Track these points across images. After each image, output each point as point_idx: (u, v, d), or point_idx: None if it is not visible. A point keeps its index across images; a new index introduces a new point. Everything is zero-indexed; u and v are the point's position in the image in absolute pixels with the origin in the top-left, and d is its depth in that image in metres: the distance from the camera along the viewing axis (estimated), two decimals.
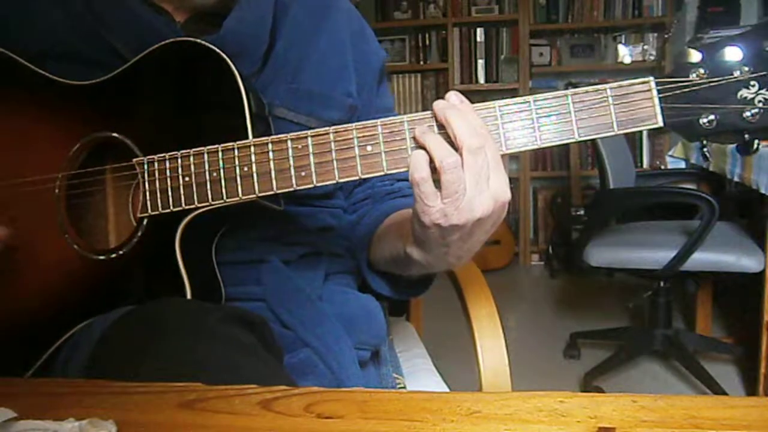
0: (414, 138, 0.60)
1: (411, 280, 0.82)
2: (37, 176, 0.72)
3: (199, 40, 0.69)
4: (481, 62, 3.83)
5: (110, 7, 0.74)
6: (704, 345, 2.28)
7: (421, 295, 0.88)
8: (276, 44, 0.79)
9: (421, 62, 3.90)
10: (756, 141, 0.59)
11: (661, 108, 0.59)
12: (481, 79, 3.84)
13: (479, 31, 3.82)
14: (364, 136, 0.62)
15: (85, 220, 0.75)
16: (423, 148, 0.59)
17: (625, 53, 3.73)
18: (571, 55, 3.79)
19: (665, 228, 2.13)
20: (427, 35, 3.90)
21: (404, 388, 0.92)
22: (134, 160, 0.69)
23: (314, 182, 0.63)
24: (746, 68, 0.57)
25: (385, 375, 0.88)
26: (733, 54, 0.58)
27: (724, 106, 0.58)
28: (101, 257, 0.70)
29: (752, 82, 0.57)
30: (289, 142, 0.63)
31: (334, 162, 0.62)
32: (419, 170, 0.58)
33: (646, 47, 3.71)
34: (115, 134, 0.70)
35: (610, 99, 0.59)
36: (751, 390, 2.05)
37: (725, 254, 1.91)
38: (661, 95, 0.59)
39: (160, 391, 0.51)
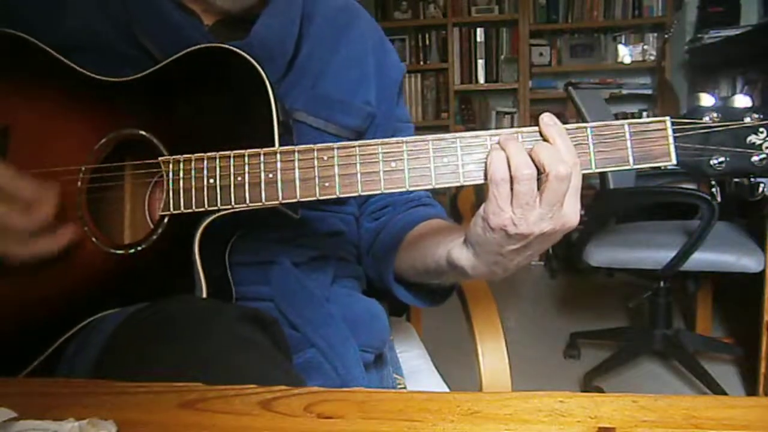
0: (499, 142, 0.61)
1: (435, 289, 0.82)
2: (61, 167, 0.73)
3: (232, 48, 0.70)
4: (481, 62, 3.83)
5: (143, 6, 0.76)
6: (704, 345, 2.28)
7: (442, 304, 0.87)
8: (300, 52, 0.81)
9: (421, 62, 3.90)
10: (761, 185, 0.62)
11: (675, 147, 0.61)
12: (481, 79, 3.84)
13: (479, 31, 3.82)
14: (388, 153, 0.63)
15: (103, 214, 0.75)
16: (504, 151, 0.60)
17: (625, 53, 3.73)
18: (571, 55, 3.79)
19: (665, 228, 2.13)
20: (427, 35, 3.90)
21: (404, 388, 0.92)
22: (160, 158, 0.69)
23: (338, 193, 0.64)
24: (756, 115, 0.60)
25: (386, 376, 0.88)
26: (743, 101, 0.61)
27: (734, 150, 0.61)
28: (119, 252, 0.71)
29: (761, 129, 0.60)
30: (315, 153, 0.65)
31: (359, 175, 0.64)
32: (499, 171, 0.59)
33: (646, 47, 3.71)
34: (142, 132, 0.71)
35: (627, 135, 0.61)
36: (751, 390, 2.05)
37: (725, 254, 1.91)
38: (675, 135, 0.61)
39: (160, 391, 0.51)
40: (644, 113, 3.76)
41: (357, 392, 0.51)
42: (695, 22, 3.26)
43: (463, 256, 0.67)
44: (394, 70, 0.91)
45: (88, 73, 0.74)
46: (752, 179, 0.62)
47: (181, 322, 0.59)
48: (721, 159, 0.61)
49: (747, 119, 0.60)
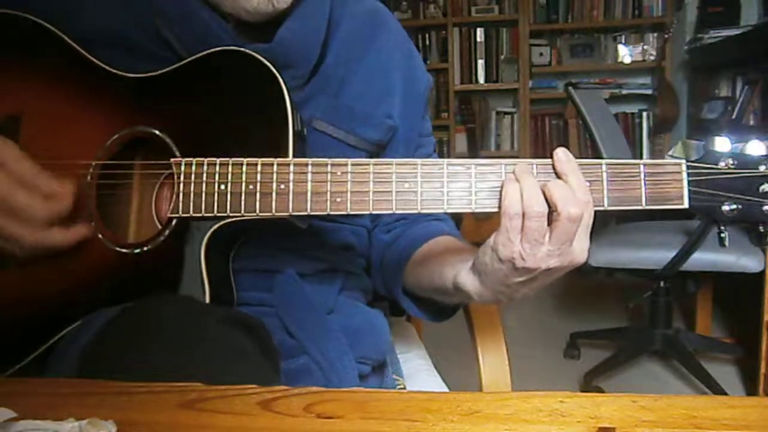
0: (513, 173, 0.61)
1: (442, 306, 0.82)
2: (72, 160, 0.72)
3: (254, 54, 0.69)
4: (481, 62, 3.84)
5: (171, 1, 0.75)
6: (704, 345, 2.28)
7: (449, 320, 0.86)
8: (325, 59, 0.79)
9: None
10: None
11: (689, 191, 0.61)
12: (481, 79, 3.84)
13: (479, 31, 3.82)
14: (402, 173, 0.63)
15: (108, 209, 0.74)
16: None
17: (625, 53, 3.73)
18: (571, 55, 3.79)
19: (665, 228, 2.13)
20: (427, 35, 3.90)
21: (404, 388, 0.92)
22: (172, 160, 0.68)
23: (348, 210, 0.64)
24: None
25: (385, 376, 0.88)
26: (758, 148, 0.62)
27: (747, 198, 0.61)
28: (124, 250, 0.70)
29: None
30: (329, 167, 0.64)
31: (371, 194, 0.63)
32: (514, 205, 0.59)
33: (646, 47, 3.71)
34: (155, 131, 0.70)
35: (642, 174, 0.62)
36: (751, 390, 2.05)
37: (725, 254, 1.91)
38: (690, 178, 0.61)
39: (160, 391, 0.51)
40: (644, 113, 3.76)
41: (357, 392, 0.51)
42: (695, 22, 3.26)
43: (468, 281, 0.67)
44: (420, 83, 0.89)
45: (105, 67, 0.73)
46: (762, 228, 0.63)
47: (165, 324, 0.59)
48: (734, 206, 0.61)
49: (762, 167, 0.61)
